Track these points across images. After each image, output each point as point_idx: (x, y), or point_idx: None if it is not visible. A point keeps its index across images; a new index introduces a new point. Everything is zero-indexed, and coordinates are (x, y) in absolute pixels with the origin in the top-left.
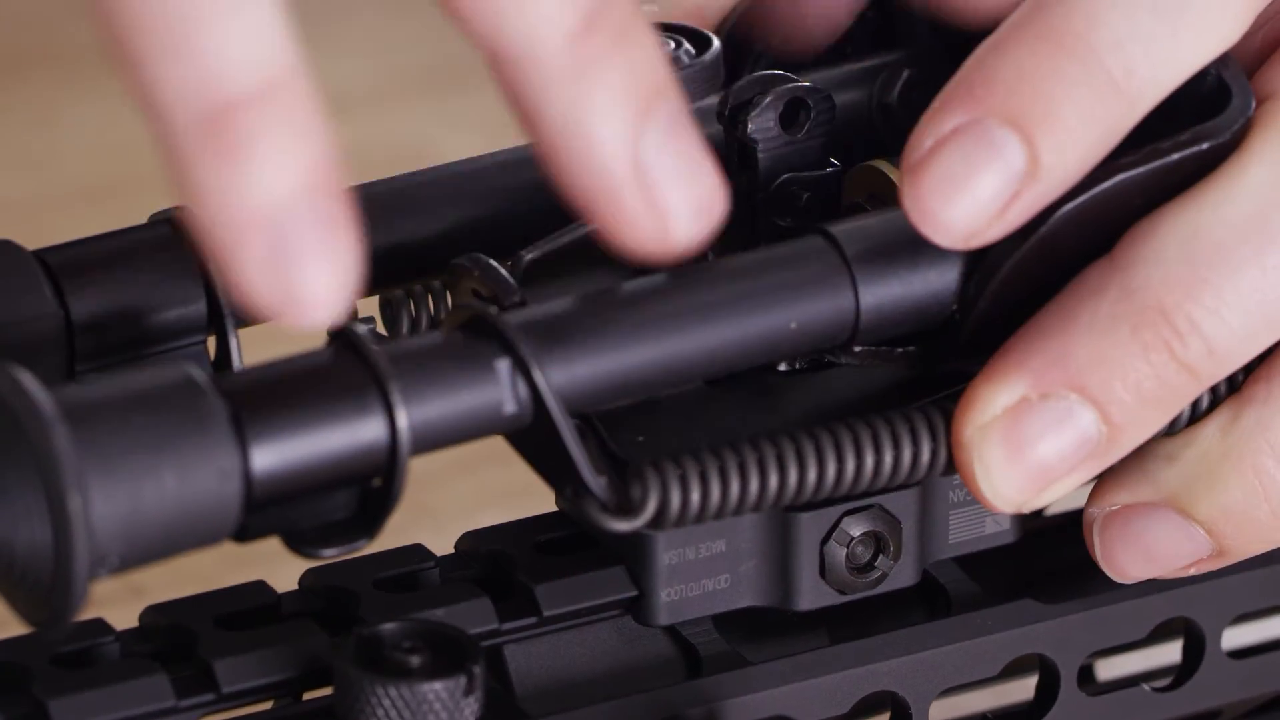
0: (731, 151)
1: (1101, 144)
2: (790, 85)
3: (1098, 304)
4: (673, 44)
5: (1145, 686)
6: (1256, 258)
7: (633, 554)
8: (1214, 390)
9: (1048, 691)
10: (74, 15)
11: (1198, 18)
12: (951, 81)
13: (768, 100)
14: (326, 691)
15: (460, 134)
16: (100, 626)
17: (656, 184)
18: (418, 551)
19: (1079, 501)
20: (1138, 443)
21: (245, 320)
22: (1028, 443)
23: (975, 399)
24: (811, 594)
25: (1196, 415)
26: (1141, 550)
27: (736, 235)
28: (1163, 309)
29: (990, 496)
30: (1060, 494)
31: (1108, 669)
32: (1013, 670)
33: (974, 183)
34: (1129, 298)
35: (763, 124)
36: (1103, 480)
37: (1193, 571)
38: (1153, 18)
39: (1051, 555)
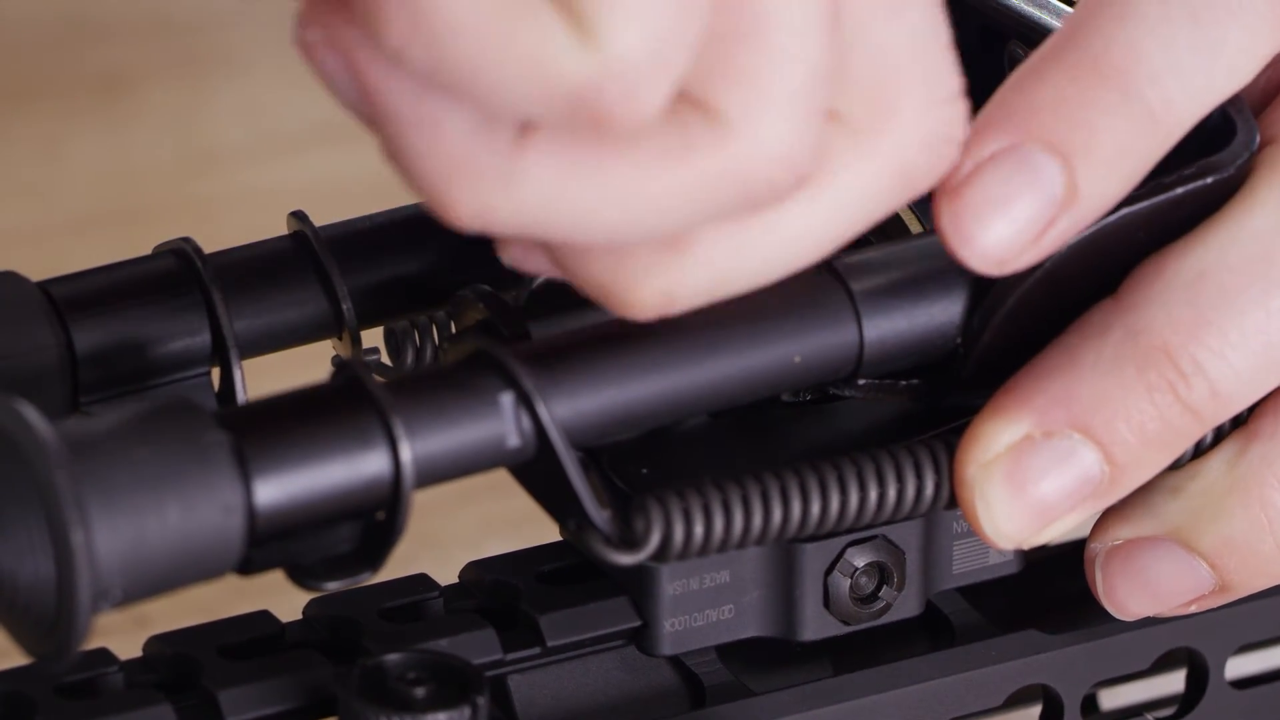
0: None
1: (1136, 174)
2: None
3: (1102, 344)
4: None
5: (1149, 716)
6: (1261, 300)
7: (637, 584)
8: (1218, 428)
9: None
10: (76, 46)
11: (1230, 54)
12: (989, 106)
13: None
14: None
15: None
16: (104, 656)
17: None
18: (422, 581)
19: (1083, 531)
20: (1140, 483)
21: (249, 352)
22: (1030, 481)
23: (978, 436)
24: (815, 624)
25: (1200, 451)
26: (1143, 585)
27: None
28: (1167, 350)
29: (992, 534)
30: (1061, 532)
31: (1111, 699)
32: (1017, 700)
33: (1013, 207)
34: (1134, 338)
35: None
36: (1105, 516)
37: (1195, 609)
38: (1191, 53)
39: (1056, 585)
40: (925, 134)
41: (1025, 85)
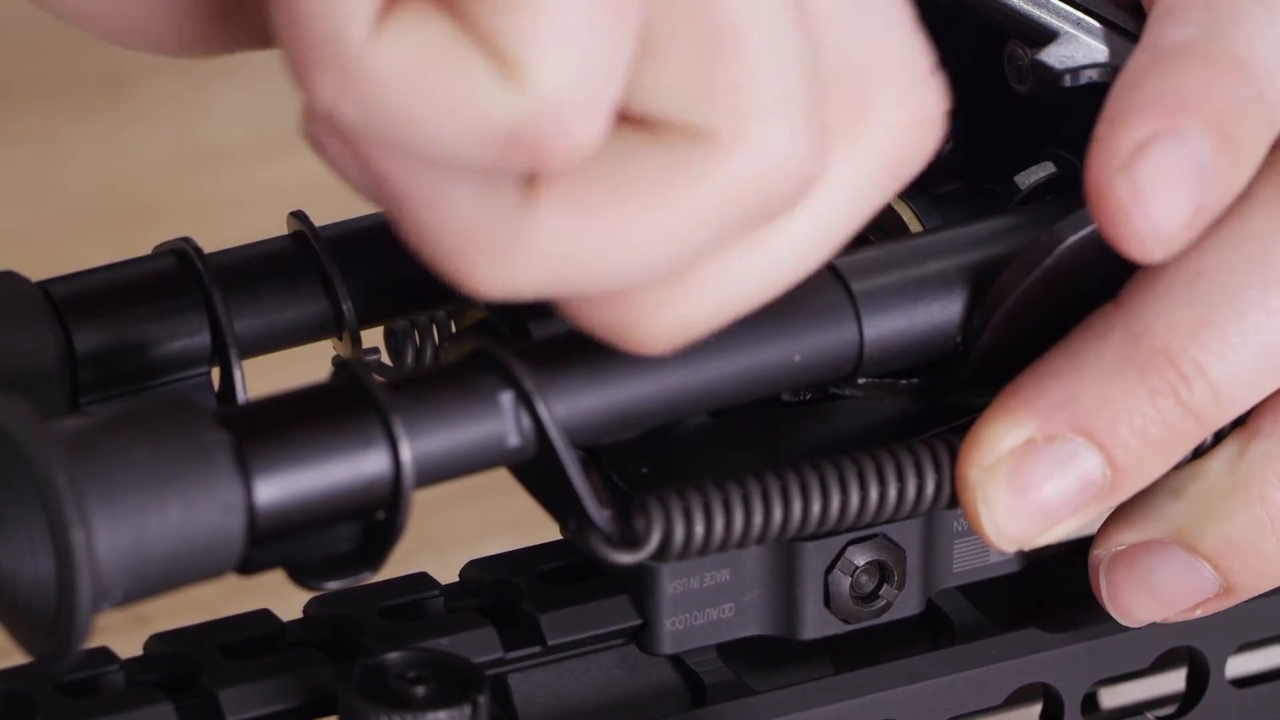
0: None
1: (1257, 164)
2: None
3: (1104, 347)
4: None
5: (1149, 715)
6: (1261, 301)
7: (637, 583)
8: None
9: None
10: (74, 45)
11: None
12: (1126, 89)
13: None
14: None
15: None
16: (105, 655)
17: None
18: (422, 580)
19: (1085, 531)
20: (1142, 485)
21: (249, 352)
22: (1033, 485)
23: (980, 439)
24: (816, 623)
25: (1199, 452)
26: (1148, 590)
27: None
28: (1168, 353)
29: (993, 536)
30: (1063, 534)
31: (1112, 697)
32: (1017, 699)
33: (1177, 188)
34: (1135, 341)
35: None
36: (1108, 521)
37: (1200, 612)
38: None
39: (1056, 584)
40: (908, 119)
41: (1166, 70)
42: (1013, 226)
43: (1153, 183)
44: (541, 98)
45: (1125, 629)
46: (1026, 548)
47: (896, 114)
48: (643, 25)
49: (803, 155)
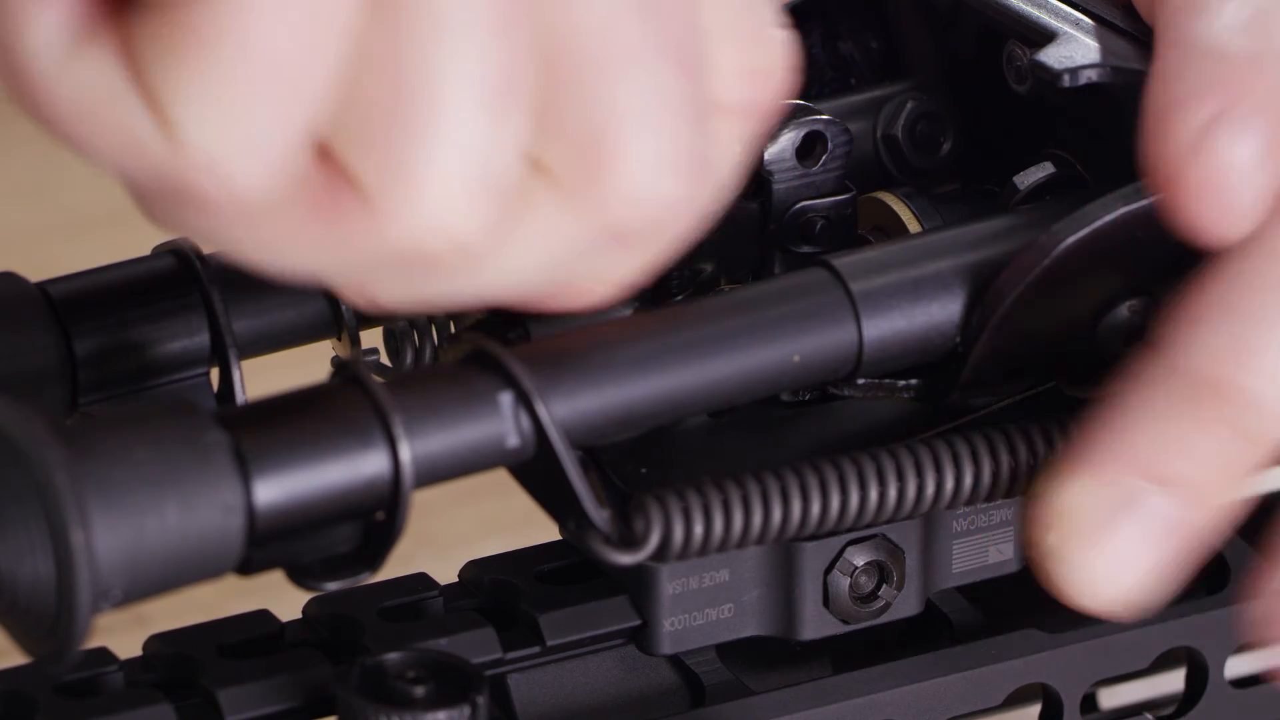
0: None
1: None
2: (809, 118)
3: (1151, 391)
4: None
5: (1148, 716)
6: None
7: (636, 583)
8: None
9: None
10: None
11: None
12: (1174, 82)
13: (785, 131)
14: None
15: None
16: (104, 655)
17: None
18: (421, 580)
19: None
20: (1214, 515)
21: (248, 352)
22: (1109, 538)
23: (1049, 505)
24: (815, 623)
25: None
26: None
27: (749, 263)
28: (1213, 384)
29: (1087, 598)
30: (1158, 578)
31: (1111, 698)
32: (1016, 699)
33: (1248, 164)
34: (1178, 378)
35: (779, 154)
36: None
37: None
38: None
39: None
40: (643, 197)
41: (1204, 61)
42: (1012, 227)
43: (1226, 161)
44: (191, 152)
45: (1125, 629)
46: (1124, 602)
47: (631, 189)
48: (335, 85)
49: (454, 227)
